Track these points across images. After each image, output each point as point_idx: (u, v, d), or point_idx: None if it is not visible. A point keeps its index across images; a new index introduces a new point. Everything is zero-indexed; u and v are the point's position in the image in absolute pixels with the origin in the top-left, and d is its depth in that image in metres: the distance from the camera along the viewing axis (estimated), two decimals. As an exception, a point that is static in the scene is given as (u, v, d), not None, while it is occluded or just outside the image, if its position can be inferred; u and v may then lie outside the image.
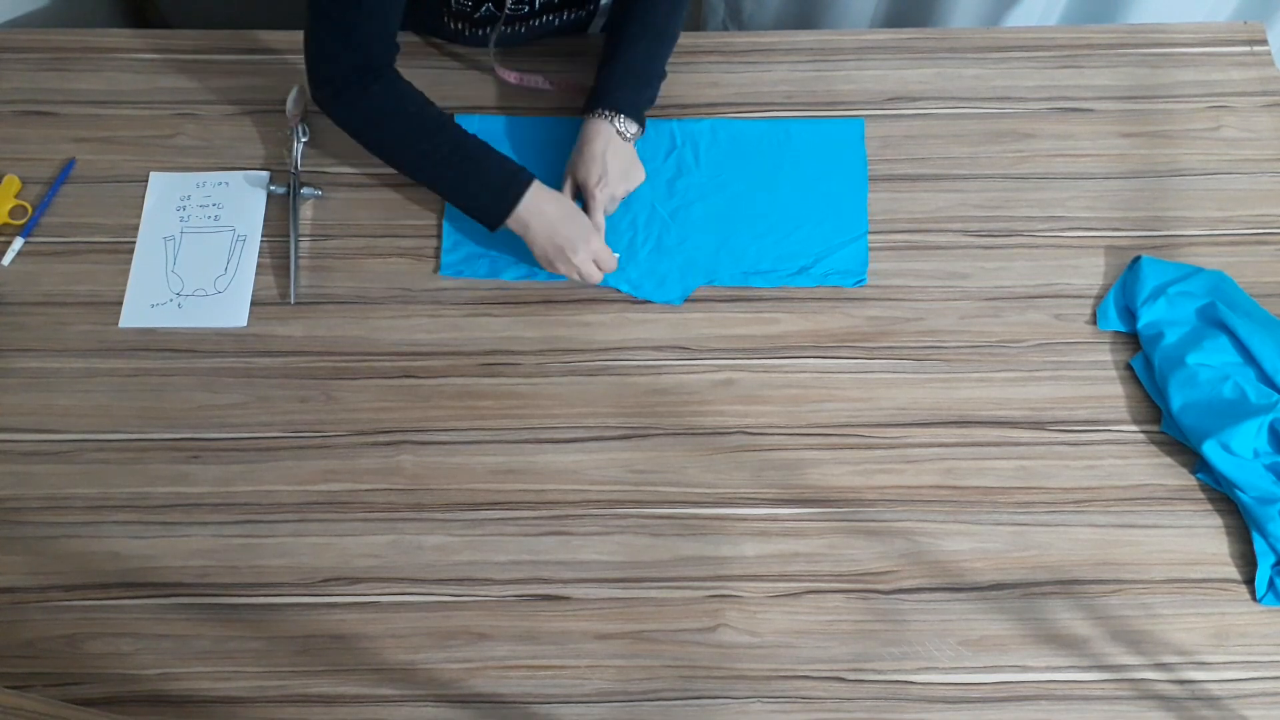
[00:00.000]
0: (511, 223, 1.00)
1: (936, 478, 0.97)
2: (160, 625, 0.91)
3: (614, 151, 1.03)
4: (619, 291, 1.05)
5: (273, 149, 1.13)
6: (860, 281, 1.05)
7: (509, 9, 1.08)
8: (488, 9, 1.08)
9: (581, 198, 1.05)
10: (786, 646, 0.90)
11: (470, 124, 1.10)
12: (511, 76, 1.14)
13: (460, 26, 1.13)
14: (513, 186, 0.99)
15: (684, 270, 1.06)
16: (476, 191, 1.00)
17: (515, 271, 1.06)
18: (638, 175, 1.06)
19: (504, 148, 1.06)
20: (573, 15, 1.14)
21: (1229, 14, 1.52)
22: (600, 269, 1.02)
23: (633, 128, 1.05)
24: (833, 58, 1.18)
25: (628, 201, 1.09)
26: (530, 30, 1.14)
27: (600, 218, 1.03)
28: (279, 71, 1.16)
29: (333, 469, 0.97)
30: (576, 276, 1.01)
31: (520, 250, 1.06)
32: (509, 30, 1.12)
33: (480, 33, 1.12)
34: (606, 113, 1.04)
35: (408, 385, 1.01)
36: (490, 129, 1.12)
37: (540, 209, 0.99)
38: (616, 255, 1.03)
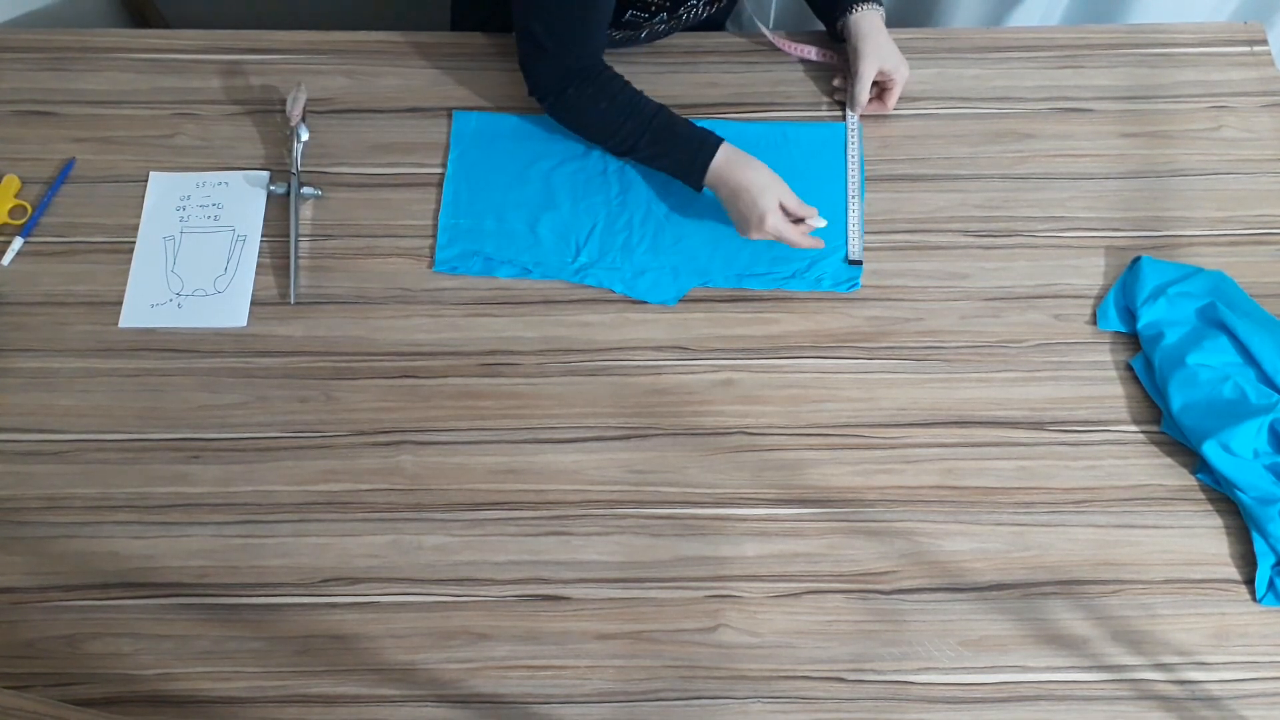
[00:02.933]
0: (709, 189, 1.05)
1: (936, 478, 0.97)
2: (160, 625, 0.91)
3: (889, 39, 1.11)
4: (617, 292, 1.05)
5: (273, 149, 1.13)
6: (854, 286, 1.05)
7: (679, 14, 1.13)
8: (661, 19, 1.12)
9: (882, 87, 1.12)
10: (786, 646, 0.90)
11: None
12: (793, 49, 1.18)
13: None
14: (703, 153, 1.02)
15: (678, 271, 1.06)
16: (674, 162, 1.05)
17: (509, 270, 1.06)
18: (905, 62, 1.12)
19: None
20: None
21: (1229, 14, 1.52)
22: (801, 225, 1.02)
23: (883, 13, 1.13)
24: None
25: (623, 201, 1.09)
26: (692, 19, 1.17)
27: (895, 99, 1.13)
28: (279, 71, 1.16)
29: (333, 469, 0.97)
30: (778, 238, 1.02)
31: (513, 250, 1.06)
32: (675, 24, 1.16)
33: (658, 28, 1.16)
34: (871, 4, 1.11)
35: (408, 385, 1.01)
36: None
37: (726, 178, 1.02)
38: (813, 208, 1.03)
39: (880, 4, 1.13)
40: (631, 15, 1.09)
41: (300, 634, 0.91)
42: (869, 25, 1.10)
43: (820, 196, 1.09)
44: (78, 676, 0.90)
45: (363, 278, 1.06)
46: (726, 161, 1.02)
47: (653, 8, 1.09)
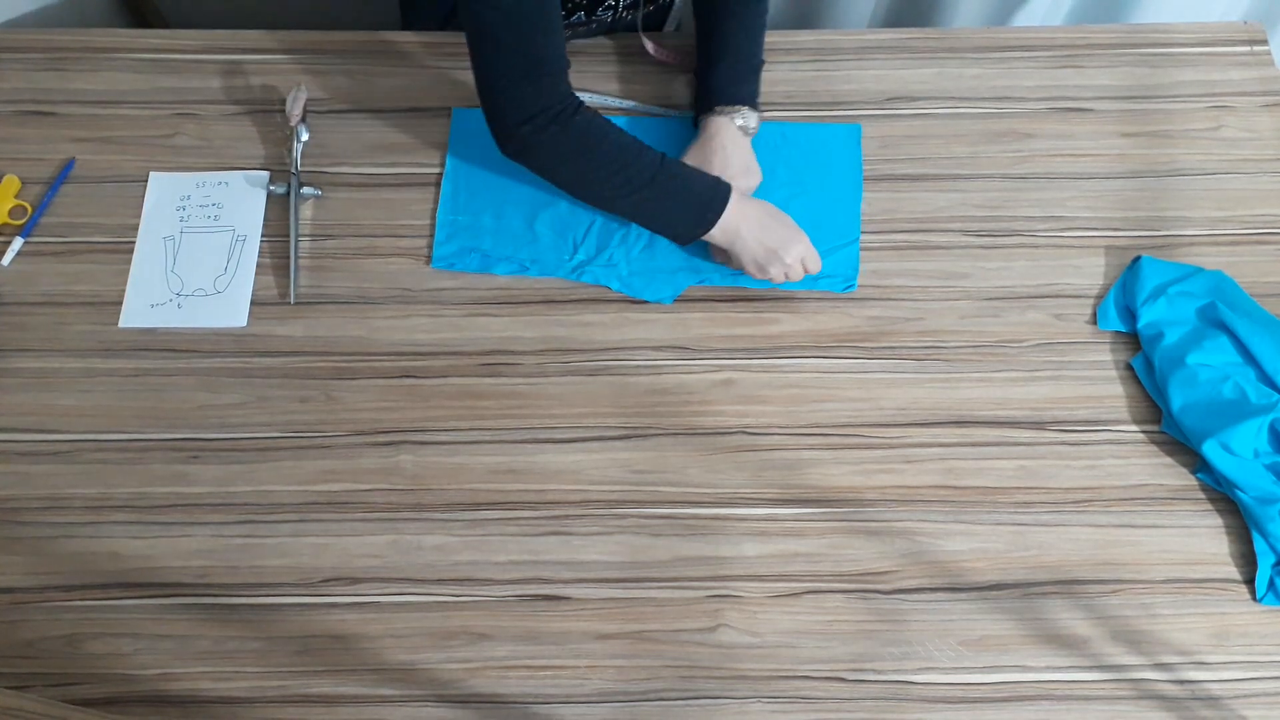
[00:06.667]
0: (718, 232, 0.99)
1: (936, 478, 0.97)
2: (160, 625, 0.91)
3: (735, 147, 1.04)
4: (616, 291, 1.05)
5: (273, 149, 1.13)
6: (850, 287, 1.05)
7: (598, 14, 1.10)
8: (579, 18, 1.10)
9: None
10: (786, 646, 0.90)
11: None
12: (661, 54, 1.14)
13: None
14: (719, 194, 0.98)
15: (675, 269, 1.06)
16: (682, 207, 0.99)
17: (506, 266, 1.06)
18: (756, 174, 1.06)
19: None
20: (653, 6, 1.15)
21: (1239, 18, 1.51)
22: (806, 269, 1.01)
23: (754, 120, 1.05)
24: (833, 58, 1.18)
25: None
26: (617, 22, 1.15)
27: None
28: (279, 71, 1.16)
29: (333, 469, 0.97)
30: (782, 277, 1.01)
31: (511, 247, 1.06)
32: (595, 26, 1.14)
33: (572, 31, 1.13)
34: (727, 109, 1.04)
35: (408, 385, 1.01)
36: None
37: (748, 213, 0.99)
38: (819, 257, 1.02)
39: (755, 112, 1.05)
40: None
41: (300, 634, 0.91)
42: (712, 129, 1.04)
43: (817, 198, 1.09)
44: (78, 676, 0.90)
45: (363, 277, 1.06)
46: (745, 197, 1.00)
47: (569, 5, 1.08)
